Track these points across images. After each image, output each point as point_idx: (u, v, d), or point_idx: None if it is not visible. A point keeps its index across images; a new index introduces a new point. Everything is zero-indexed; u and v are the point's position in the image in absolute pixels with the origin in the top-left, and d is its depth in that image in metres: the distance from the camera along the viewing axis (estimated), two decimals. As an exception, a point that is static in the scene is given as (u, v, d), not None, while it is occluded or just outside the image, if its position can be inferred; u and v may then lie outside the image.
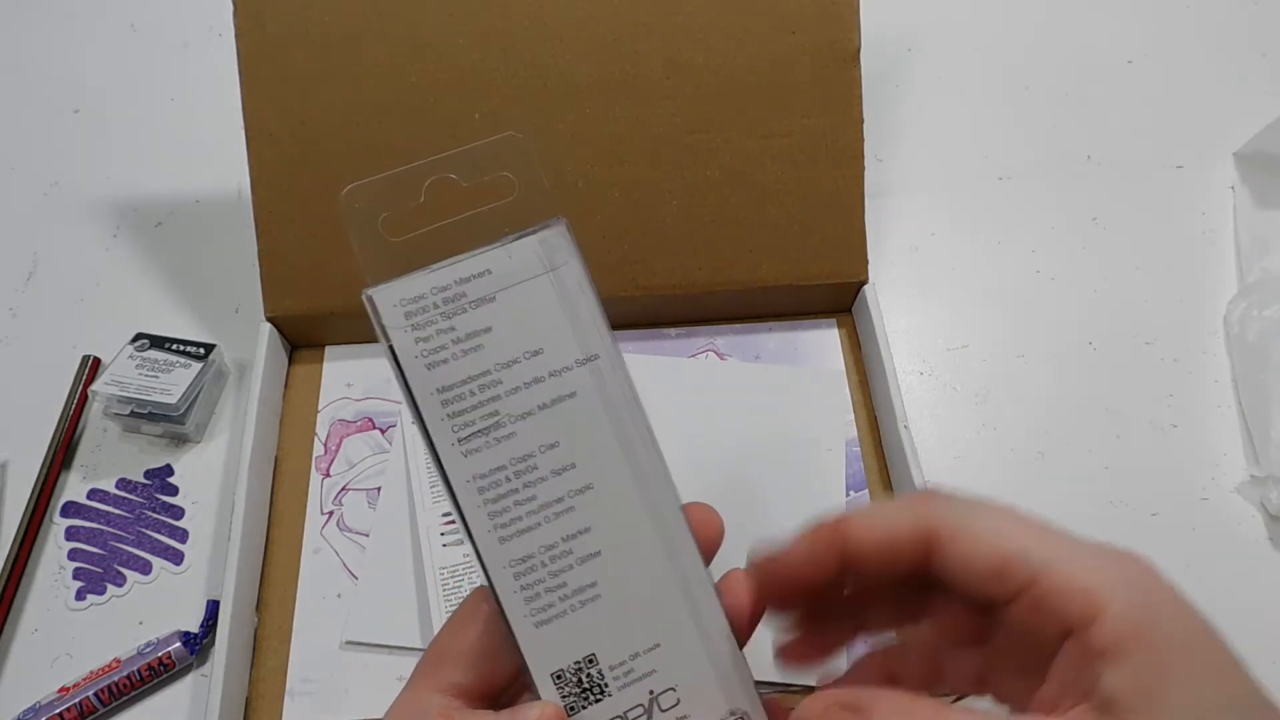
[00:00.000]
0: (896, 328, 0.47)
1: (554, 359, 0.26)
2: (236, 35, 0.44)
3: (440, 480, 0.25)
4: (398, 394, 0.35)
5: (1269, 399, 0.46)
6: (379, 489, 0.44)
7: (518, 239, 0.26)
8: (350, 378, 0.48)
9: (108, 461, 0.47)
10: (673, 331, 0.50)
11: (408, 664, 0.30)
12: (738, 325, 0.50)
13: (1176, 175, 0.57)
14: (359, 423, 0.46)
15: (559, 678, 0.25)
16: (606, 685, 0.25)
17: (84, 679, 0.39)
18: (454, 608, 0.27)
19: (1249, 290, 0.51)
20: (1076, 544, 0.24)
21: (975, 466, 0.46)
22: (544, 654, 0.25)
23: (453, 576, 0.41)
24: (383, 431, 0.46)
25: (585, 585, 0.25)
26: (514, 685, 0.26)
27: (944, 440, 0.47)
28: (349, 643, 0.40)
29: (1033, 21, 0.65)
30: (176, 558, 0.44)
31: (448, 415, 0.25)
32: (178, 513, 0.45)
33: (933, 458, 0.43)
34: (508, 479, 0.25)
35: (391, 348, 0.25)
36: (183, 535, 0.45)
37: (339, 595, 0.42)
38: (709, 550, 0.26)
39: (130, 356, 0.47)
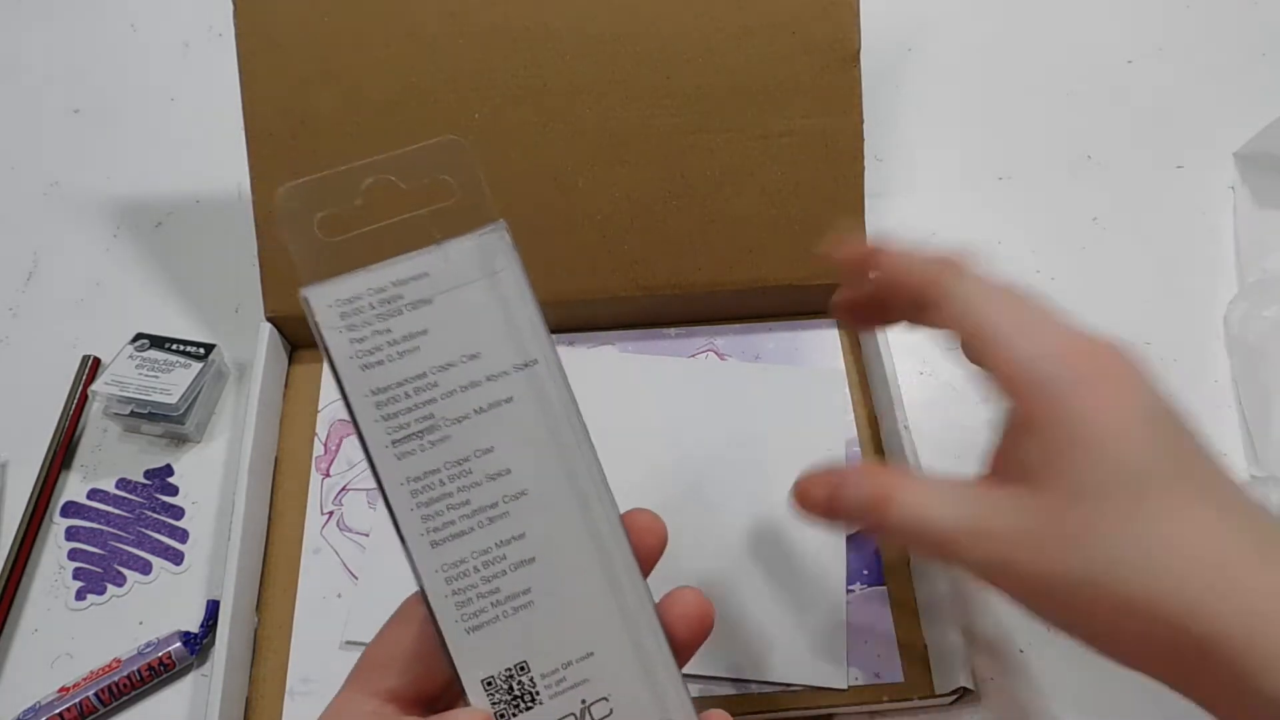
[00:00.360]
0: (896, 328, 0.47)
1: (491, 363, 0.25)
2: (236, 35, 0.44)
3: (374, 482, 0.25)
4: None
5: (1269, 399, 0.46)
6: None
7: (457, 242, 0.26)
8: (350, 378, 0.48)
9: (108, 461, 0.47)
10: (673, 331, 0.50)
11: (408, 664, 0.30)
12: (738, 325, 0.50)
13: (1176, 175, 0.57)
14: (359, 423, 0.46)
15: (489, 684, 0.24)
16: (538, 693, 0.25)
17: (84, 679, 0.39)
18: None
19: (1249, 290, 0.51)
20: (1051, 331, 0.29)
21: (976, 466, 0.46)
22: (474, 660, 0.24)
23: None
24: (383, 431, 0.46)
25: (518, 592, 0.25)
26: (449, 690, 0.26)
27: (944, 440, 0.47)
28: (349, 643, 0.40)
29: (1033, 21, 0.65)
30: (176, 558, 0.44)
31: (382, 417, 0.25)
32: (178, 513, 0.45)
33: (933, 458, 0.43)
34: (441, 483, 0.25)
35: (326, 348, 0.25)
36: (183, 535, 0.45)
37: (339, 595, 0.42)
38: (649, 559, 0.26)
39: (130, 356, 0.47)
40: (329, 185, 0.26)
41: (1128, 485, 0.26)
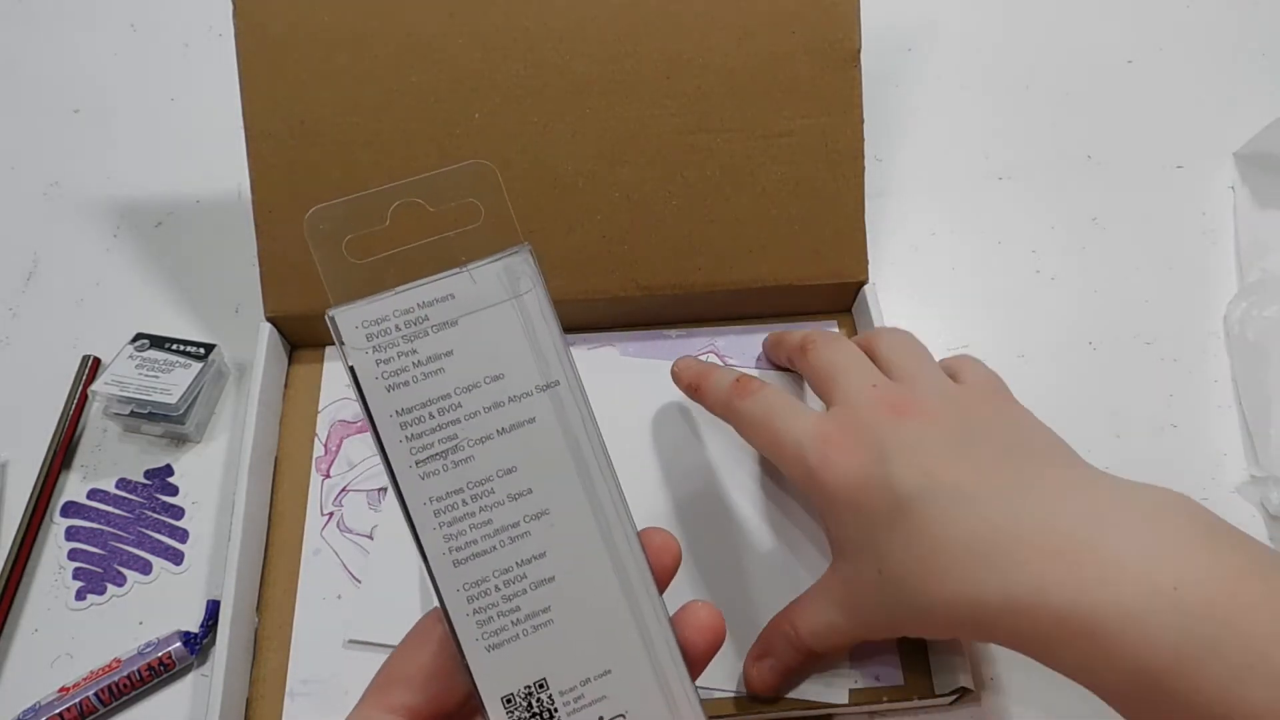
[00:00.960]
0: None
1: (514, 384, 0.26)
2: (236, 35, 0.44)
3: (396, 501, 0.25)
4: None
5: (1269, 399, 0.46)
6: (380, 490, 0.44)
7: (482, 265, 0.26)
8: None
9: (108, 461, 0.47)
10: (673, 332, 0.50)
11: (408, 664, 0.30)
12: (738, 325, 0.50)
13: (1176, 175, 0.57)
14: (359, 423, 0.46)
15: (509, 702, 0.25)
16: (556, 710, 0.25)
17: (84, 679, 0.39)
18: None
19: (1249, 290, 0.51)
20: (807, 421, 0.36)
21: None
22: (495, 678, 0.25)
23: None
24: (383, 431, 0.46)
25: (538, 610, 0.25)
26: (465, 708, 0.26)
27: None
28: (350, 643, 0.40)
29: (1033, 22, 0.65)
30: (176, 558, 0.44)
31: (406, 437, 0.25)
32: (178, 513, 0.45)
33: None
34: (464, 502, 0.25)
35: (352, 369, 0.25)
36: (183, 535, 0.45)
37: (339, 596, 0.42)
38: (664, 576, 0.27)
39: (130, 356, 0.47)
40: (358, 207, 0.26)
41: (858, 536, 0.34)
